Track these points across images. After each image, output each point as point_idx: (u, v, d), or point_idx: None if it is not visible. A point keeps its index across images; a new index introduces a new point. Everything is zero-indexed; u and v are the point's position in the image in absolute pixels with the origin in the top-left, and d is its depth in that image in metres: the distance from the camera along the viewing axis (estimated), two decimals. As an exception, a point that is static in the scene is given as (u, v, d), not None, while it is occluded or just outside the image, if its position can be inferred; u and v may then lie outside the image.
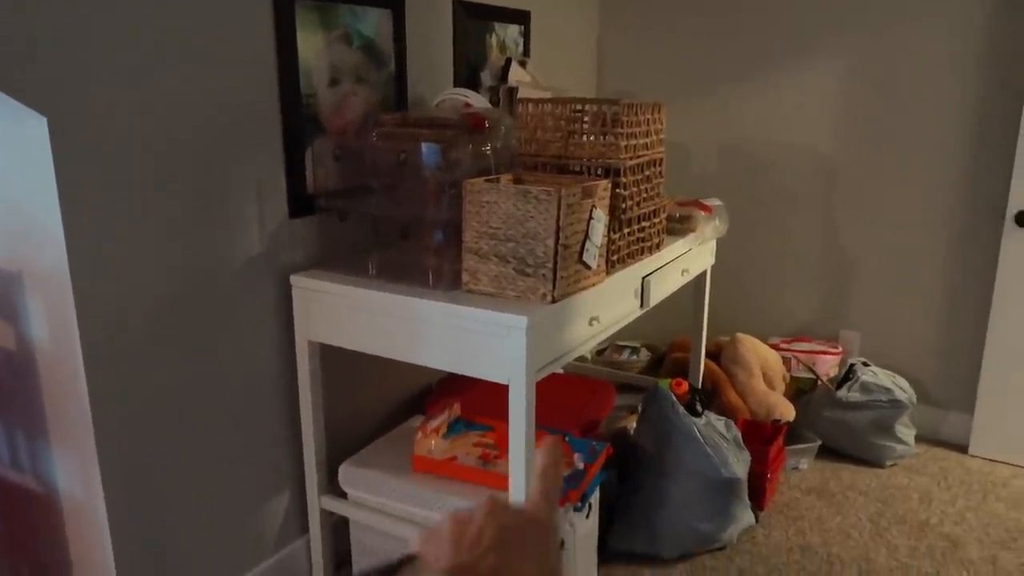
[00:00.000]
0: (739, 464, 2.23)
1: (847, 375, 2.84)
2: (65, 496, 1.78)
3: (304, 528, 2.17)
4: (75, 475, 1.72)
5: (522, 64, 2.86)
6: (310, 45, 1.97)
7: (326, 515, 2.11)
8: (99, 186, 1.55)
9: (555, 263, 1.73)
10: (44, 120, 1.43)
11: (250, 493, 2.00)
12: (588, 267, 1.84)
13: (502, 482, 1.86)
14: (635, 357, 3.26)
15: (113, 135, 1.56)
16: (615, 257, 2.02)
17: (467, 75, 2.61)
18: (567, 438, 2.04)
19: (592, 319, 1.91)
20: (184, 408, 1.79)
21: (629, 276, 2.08)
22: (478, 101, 2.38)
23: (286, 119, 1.93)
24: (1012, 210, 2.65)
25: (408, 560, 0.51)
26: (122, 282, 1.62)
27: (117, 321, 1.63)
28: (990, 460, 2.84)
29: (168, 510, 1.79)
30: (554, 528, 0.56)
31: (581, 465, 1.92)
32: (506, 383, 1.68)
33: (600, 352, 3.39)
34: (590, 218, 1.83)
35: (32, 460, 1.83)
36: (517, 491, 1.71)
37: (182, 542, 1.84)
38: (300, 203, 2.02)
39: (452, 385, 2.51)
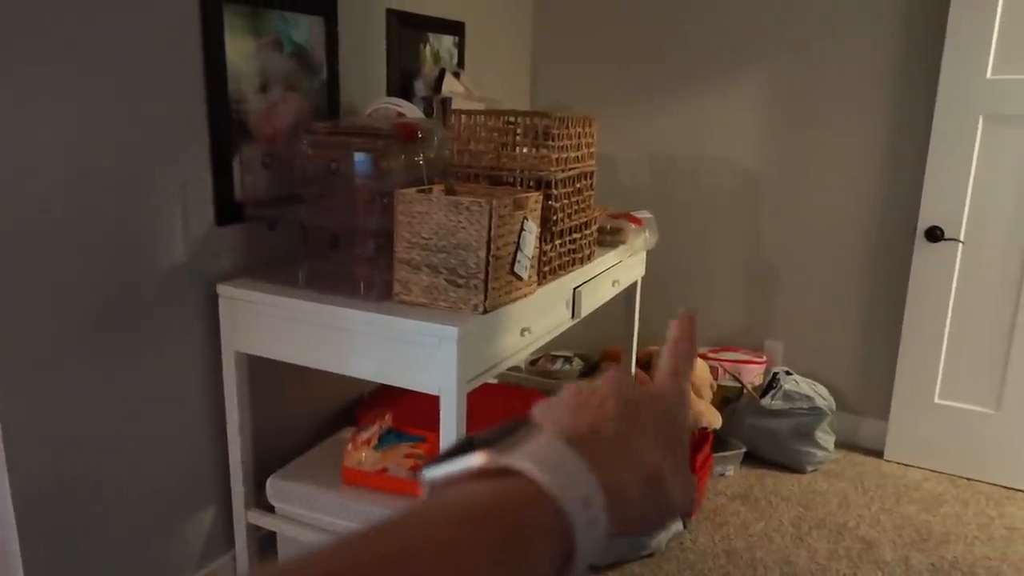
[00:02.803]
0: (667, 472, 2.27)
1: (771, 383, 2.94)
2: (-29, 516, 1.69)
3: (230, 543, 2.12)
4: (-18, 493, 1.64)
5: (456, 75, 2.87)
6: (239, 50, 1.94)
7: (253, 530, 2.07)
8: (8, 189, 1.49)
9: (486, 274, 1.74)
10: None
11: (173, 508, 1.94)
12: (520, 278, 1.86)
13: (433, 493, 1.86)
14: (568, 367, 3.30)
15: (24, 135, 1.50)
16: (547, 268, 2.04)
17: (400, 85, 2.61)
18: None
19: (524, 329, 1.92)
20: (103, 421, 1.73)
21: (560, 287, 2.11)
22: (411, 111, 2.38)
23: (213, 125, 1.89)
24: (923, 226, 2.79)
25: (523, 424, 0.47)
26: (36, 290, 1.56)
27: (30, 329, 1.56)
28: (903, 465, 2.97)
29: (86, 527, 1.72)
30: (682, 406, 0.53)
31: (512, 475, 1.92)
32: (437, 394, 1.68)
33: (534, 362, 3.41)
34: (522, 229, 1.85)
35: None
36: (448, 502, 1.71)
37: (101, 559, 1.77)
38: (228, 211, 1.98)
39: (384, 396, 2.49)
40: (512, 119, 2.08)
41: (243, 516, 2.04)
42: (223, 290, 1.91)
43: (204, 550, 2.04)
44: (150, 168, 1.76)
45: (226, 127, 1.93)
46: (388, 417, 2.13)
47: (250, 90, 1.99)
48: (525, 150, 2.06)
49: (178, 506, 1.95)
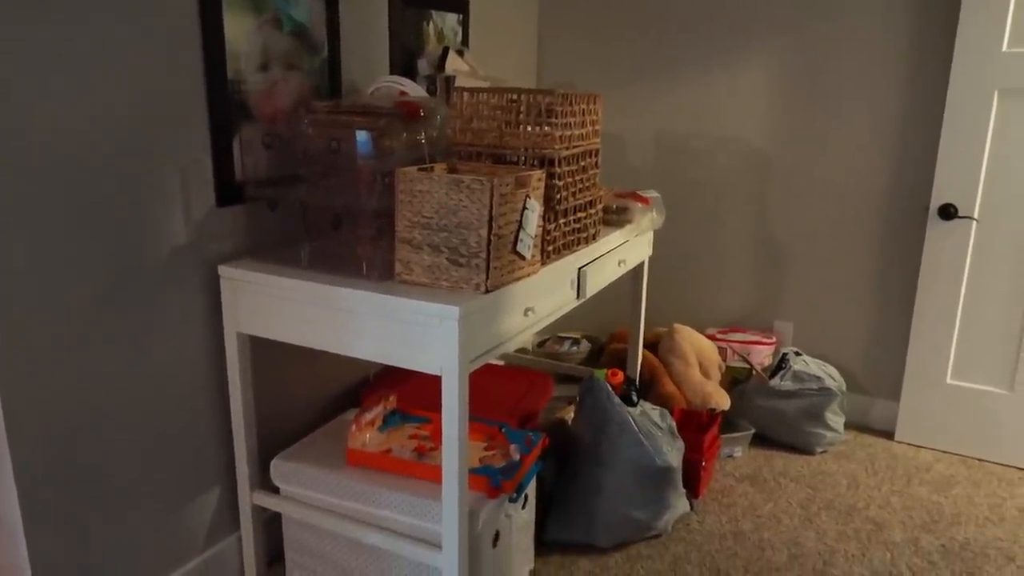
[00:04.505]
0: (673, 453, 2.25)
1: (780, 364, 2.91)
2: (-24, 497, 1.69)
3: (235, 525, 2.12)
4: (-14, 475, 1.64)
5: (460, 53, 2.83)
6: (238, 28, 1.92)
7: (258, 511, 2.06)
8: (5, 168, 1.47)
9: (488, 253, 1.72)
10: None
11: (178, 490, 1.94)
12: (522, 257, 1.84)
13: (436, 474, 1.85)
14: (575, 348, 3.28)
15: (21, 114, 1.48)
16: (551, 247, 2.02)
17: (403, 63, 2.58)
18: (503, 430, 2.04)
19: (527, 309, 1.90)
20: (105, 404, 1.73)
21: (565, 267, 2.08)
22: (413, 90, 2.35)
23: (213, 105, 1.87)
24: (935, 203, 2.74)
25: None
26: (36, 273, 1.55)
27: (31, 314, 1.55)
28: (914, 446, 2.94)
29: (90, 508, 1.72)
30: None
31: (517, 456, 1.91)
32: (439, 374, 1.66)
33: (541, 344, 3.40)
34: (524, 208, 1.82)
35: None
36: (449, 483, 1.70)
37: (105, 541, 1.77)
38: (228, 192, 1.96)
39: (389, 377, 2.48)
40: (515, 97, 2.05)
41: (248, 497, 2.03)
42: (224, 271, 1.90)
43: (209, 531, 2.04)
44: (149, 149, 1.74)
45: (226, 107, 1.91)
46: (392, 398, 2.12)
47: (250, 69, 1.97)
48: (528, 128, 2.03)
49: (183, 488, 1.95)
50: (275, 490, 2.02)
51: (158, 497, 1.89)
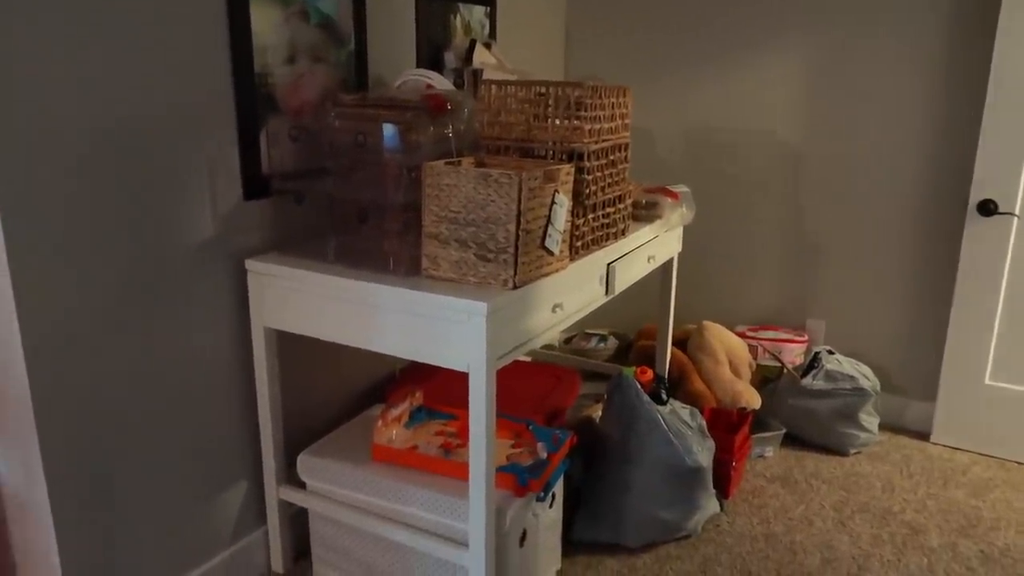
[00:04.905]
0: (703, 452, 2.21)
1: (812, 363, 2.85)
2: (7, 491, 1.71)
3: (262, 519, 2.12)
4: (17, 466, 1.65)
5: (487, 46, 2.80)
6: (265, 21, 1.90)
7: (284, 506, 2.06)
8: (36, 162, 1.47)
9: (516, 248, 1.69)
10: (-27, 93, 1.35)
11: (205, 484, 1.93)
12: (551, 253, 1.80)
13: (462, 471, 1.82)
14: (603, 345, 3.24)
15: (53, 110, 1.48)
16: (579, 243, 1.98)
17: (430, 56, 2.55)
18: (530, 427, 2.01)
19: (555, 306, 1.87)
20: (133, 398, 1.73)
21: (594, 262, 2.05)
22: (441, 83, 2.32)
23: (240, 98, 1.86)
24: (975, 199, 2.66)
25: None
26: (65, 266, 1.55)
27: (60, 306, 1.55)
28: (951, 448, 2.87)
29: (118, 502, 1.73)
30: None
31: (544, 454, 1.88)
32: (466, 371, 1.64)
33: (568, 340, 3.36)
34: (552, 203, 1.79)
35: (-29, 452, 1.75)
36: (476, 481, 1.68)
37: (133, 534, 1.77)
38: (255, 185, 1.95)
39: (416, 373, 2.46)
40: (543, 90, 2.02)
41: (274, 492, 2.03)
42: (251, 265, 1.89)
43: (236, 525, 2.04)
44: (176, 143, 1.73)
45: (252, 100, 1.89)
46: (419, 394, 2.10)
47: (276, 62, 1.96)
48: (557, 122, 1.99)
49: (210, 481, 1.95)
50: (301, 485, 2.01)
51: (185, 490, 1.89)
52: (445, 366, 1.67)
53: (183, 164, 1.76)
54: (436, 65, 2.58)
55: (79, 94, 1.52)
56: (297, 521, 2.14)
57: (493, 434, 1.68)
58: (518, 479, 1.79)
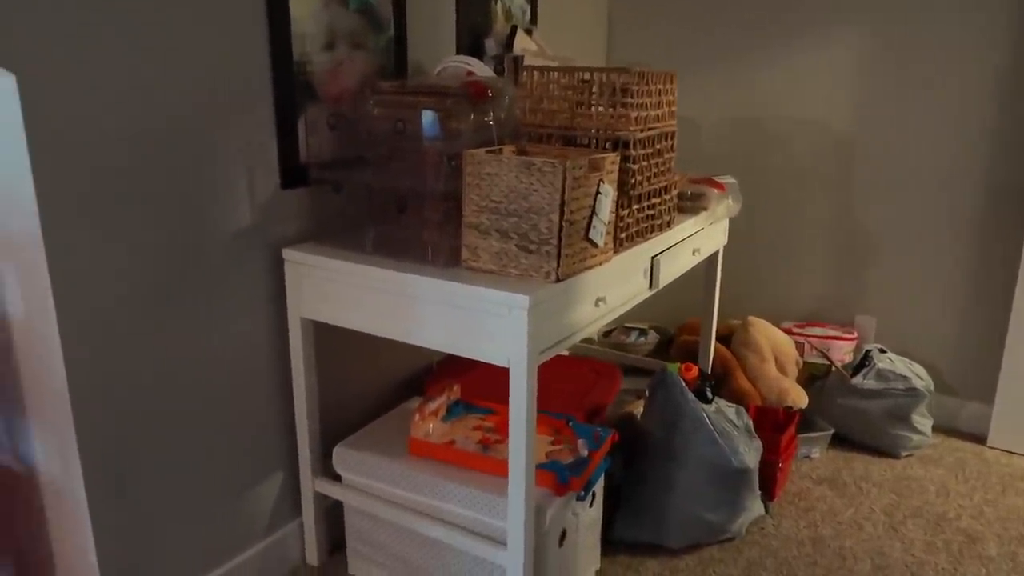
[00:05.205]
0: (750, 453, 2.13)
1: (863, 362, 2.74)
2: (44, 478, 1.70)
3: (297, 511, 2.10)
4: (53, 456, 1.64)
5: (528, 32, 2.74)
6: (304, 7, 1.87)
7: (320, 498, 2.04)
8: (75, 151, 1.46)
9: (559, 240, 1.63)
10: (12, 78, 1.33)
11: (240, 475, 1.92)
12: (595, 245, 1.74)
13: (501, 468, 1.78)
14: (643, 339, 3.17)
15: (90, 98, 1.46)
16: (623, 235, 1.92)
17: (470, 43, 2.50)
18: (571, 423, 1.95)
19: (598, 299, 1.81)
20: (169, 388, 1.71)
21: (638, 255, 1.98)
22: (481, 69, 2.27)
23: (277, 85, 1.83)
24: (1040, 191, 2.53)
25: None
26: (102, 254, 1.53)
27: (97, 295, 1.54)
28: (1009, 452, 2.75)
29: (153, 492, 1.71)
30: None
31: (585, 452, 1.83)
32: (506, 366, 1.59)
33: (607, 334, 3.30)
34: (597, 192, 1.73)
35: (9, 437, 1.75)
36: (516, 479, 1.63)
37: (169, 524, 1.76)
38: (293, 174, 1.92)
39: (453, 365, 2.42)
40: (587, 76, 1.95)
41: (310, 484, 2.01)
42: (288, 255, 1.86)
43: (272, 517, 2.03)
44: (214, 131, 1.71)
45: (290, 87, 1.86)
46: (456, 388, 2.06)
47: (315, 48, 1.92)
48: (601, 109, 1.93)
49: (246, 472, 1.93)
50: (337, 478, 1.99)
51: (221, 481, 1.87)
52: (485, 360, 1.62)
53: (221, 153, 1.73)
54: (476, 52, 2.53)
55: (116, 81, 1.50)
56: (332, 513, 2.11)
57: (534, 431, 1.63)
58: (558, 477, 1.74)
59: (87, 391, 1.55)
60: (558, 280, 1.63)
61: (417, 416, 1.91)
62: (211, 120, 1.70)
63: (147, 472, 1.70)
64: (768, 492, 2.34)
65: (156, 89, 1.57)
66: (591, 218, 1.72)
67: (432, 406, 1.95)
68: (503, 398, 2.01)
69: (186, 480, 1.78)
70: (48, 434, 1.65)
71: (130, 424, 1.65)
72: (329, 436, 2.09)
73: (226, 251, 1.79)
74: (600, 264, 1.78)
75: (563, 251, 1.64)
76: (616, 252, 1.87)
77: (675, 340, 3.06)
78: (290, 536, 2.08)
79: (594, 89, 1.93)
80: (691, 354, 2.86)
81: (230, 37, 1.70)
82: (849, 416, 2.71)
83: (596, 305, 1.81)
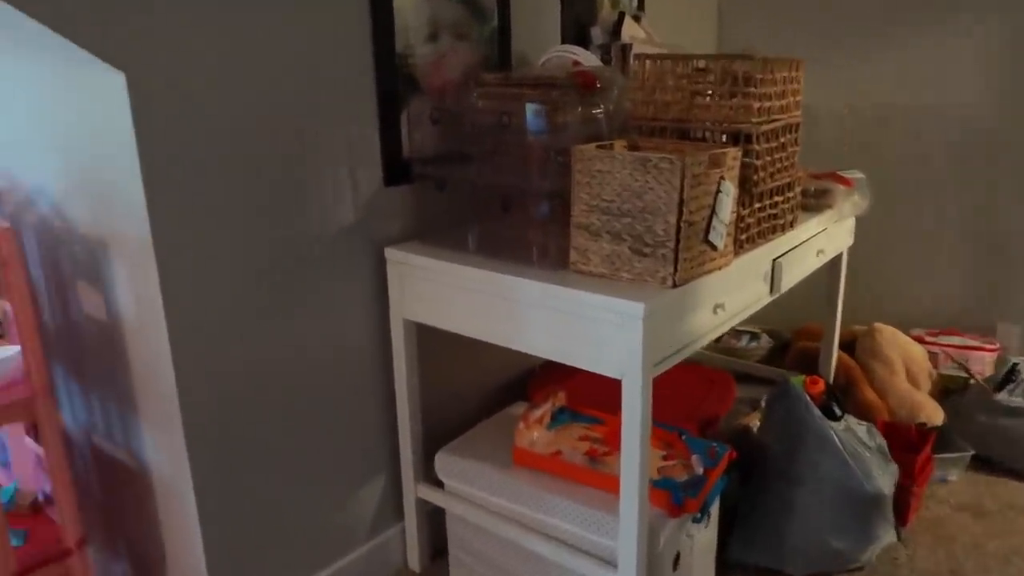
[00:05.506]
0: (884, 477, 1.94)
1: (1008, 376, 2.48)
2: (155, 473, 1.72)
3: (399, 516, 2.06)
4: (163, 452, 1.66)
5: (636, 19, 2.61)
6: (408, -2, 1.81)
7: (422, 504, 1.99)
8: (182, 149, 1.44)
9: (677, 242, 1.51)
10: (122, 76, 1.32)
11: (343, 476, 1.89)
12: (714, 247, 1.61)
13: (611, 483, 1.67)
14: (755, 344, 2.98)
15: (196, 95, 1.44)
16: (744, 236, 1.77)
17: (575, 32, 2.40)
18: (683, 437, 1.83)
19: (717, 306, 1.68)
20: (272, 387, 1.69)
21: (759, 258, 1.83)
22: (588, 59, 2.16)
23: (380, 79, 1.78)
24: None
25: None
26: (208, 252, 1.52)
27: (203, 293, 1.53)
28: None
29: (258, 491, 1.70)
30: None
31: (700, 470, 1.70)
32: (618, 378, 1.48)
33: (716, 338, 3.13)
34: (718, 191, 1.59)
35: (124, 434, 1.78)
36: (628, 495, 1.52)
37: (272, 524, 1.75)
38: (396, 170, 1.87)
39: (557, 370, 2.33)
40: (703, 64, 1.82)
41: (412, 489, 1.96)
42: (391, 254, 1.82)
43: (374, 521, 1.99)
44: (317, 125, 1.67)
45: (393, 81, 1.81)
46: (561, 395, 1.96)
47: (418, 40, 1.86)
48: (720, 99, 1.79)
49: (348, 475, 1.90)
50: (439, 483, 1.93)
51: (324, 483, 1.85)
52: (595, 371, 1.52)
53: (325, 149, 1.70)
54: (582, 41, 2.42)
55: (221, 78, 1.48)
56: (434, 519, 2.06)
57: (648, 448, 1.51)
58: (672, 497, 1.62)
59: (194, 391, 1.55)
60: (675, 286, 1.51)
61: (522, 424, 1.83)
62: (315, 116, 1.66)
63: (253, 471, 1.68)
64: (900, 518, 2.13)
65: (261, 85, 1.55)
66: (710, 218, 1.59)
67: (537, 413, 1.87)
68: (610, 405, 1.90)
69: (290, 481, 1.77)
70: (158, 432, 1.66)
71: (235, 424, 1.63)
72: (430, 439, 2.03)
73: (330, 250, 1.75)
74: (719, 268, 1.65)
75: (681, 254, 1.52)
76: (736, 255, 1.73)
77: (791, 346, 2.87)
78: (392, 540, 2.04)
79: (712, 78, 1.79)
80: (809, 362, 2.67)
81: (334, 30, 1.66)
82: (991, 436, 2.45)
83: (714, 312, 1.67)
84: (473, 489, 1.85)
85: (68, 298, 1.78)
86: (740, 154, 1.67)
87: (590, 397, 2.09)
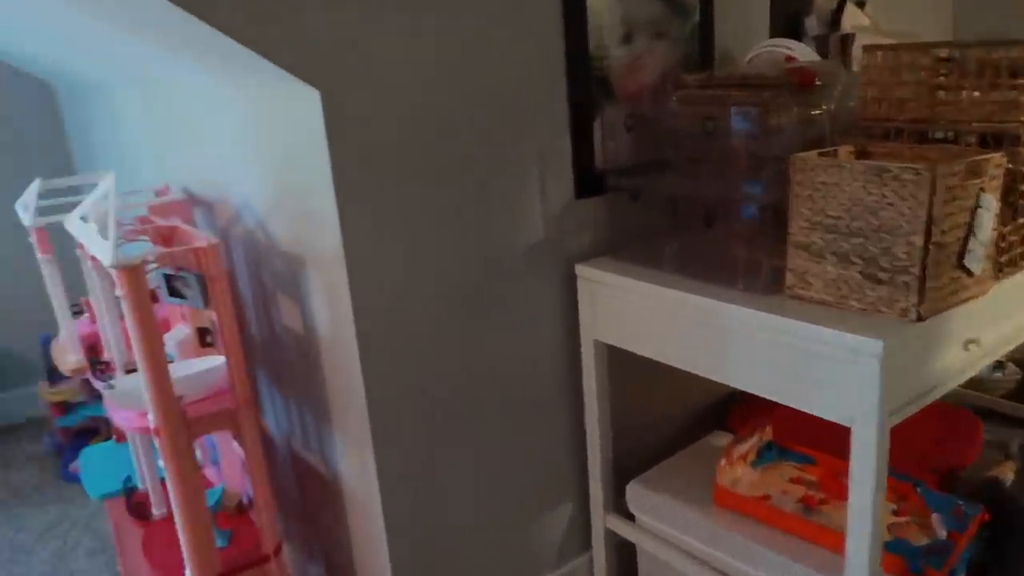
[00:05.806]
0: None
1: None
2: (346, 482, 1.74)
3: (587, 545, 1.95)
4: (353, 463, 1.67)
5: (860, 5, 2.32)
6: (601, -4, 1.69)
7: (611, 535, 1.87)
8: (374, 165, 1.42)
9: (923, 267, 1.27)
10: (316, 93, 1.31)
11: (530, 500, 1.82)
12: (970, 273, 1.35)
13: (830, 539, 1.46)
14: (1000, 375, 2.56)
15: (387, 109, 1.41)
16: (1004, 258, 1.48)
17: (786, 23, 2.16)
18: (919, 489, 1.57)
19: (969, 342, 1.41)
20: (460, 405, 1.65)
21: (1022, 283, 1.53)
22: (803, 53, 1.94)
23: (572, 84, 1.67)
24: None
25: None
26: (398, 269, 1.49)
27: (393, 309, 1.50)
28: None
29: (445, 508, 1.67)
30: None
31: (943, 533, 1.44)
32: (847, 424, 1.27)
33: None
34: (976, 206, 1.33)
35: (319, 442, 1.82)
36: (856, 561, 1.31)
37: (459, 542, 1.71)
38: (588, 182, 1.76)
39: (759, 399, 2.12)
40: (949, 53, 1.54)
41: (601, 520, 1.85)
42: (582, 271, 1.71)
43: (561, 548, 1.90)
44: (508, 135, 1.59)
45: (586, 86, 1.70)
46: (768, 429, 1.77)
47: (612, 41, 1.73)
48: (977, 94, 1.50)
49: (535, 499, 1.83)
50: (630, 516, 1.81)
51: (510, 504, 1.78)
52: (819, 415, 1.32)
53: (515, 160, 1.62)
54: (794, 33, 2.18)
55: (411, 90, 1.44)
56: (624, 550, 1.93)
57: (882, 509, 1.29)
58: (909, 566, 1.38)
59: (382, 404, 1.53)
60: (920, 319, 1.28)
61: (724, 460, 1.66)
62: (506, 125, 1.59)
63: (440, 488, 1.65)
64: None
65: (452, 97, 1.49)
66: (966, 239, 1.33)
67: (741, 449, 1.69)
68: (822, 441, 1.68)
69: (476, 501, 1.72)
70: (349, 443, 1.67)
71: (423, 439, 1.61)
72: (620, 467, 1.91)
73: (520, 265, 1.68)
74: (975, 297, 1.38)
75: (928, 282, 1.28)
76: (995, 279, 1.45)
77: (1044, 376, 2.44)
78: (579, 570, 1.94)
79: (966, 69, 1.51)
80: (1070, 397, 2.24)
81: (524, 34, 1.58)
82: None
83: (966, 349, 1.41)
84: (667, 527, 1.71)
85: (271, 310, 1.84)
86: (1004, 161, 1.39)
87: (799, 430, 1.87)
